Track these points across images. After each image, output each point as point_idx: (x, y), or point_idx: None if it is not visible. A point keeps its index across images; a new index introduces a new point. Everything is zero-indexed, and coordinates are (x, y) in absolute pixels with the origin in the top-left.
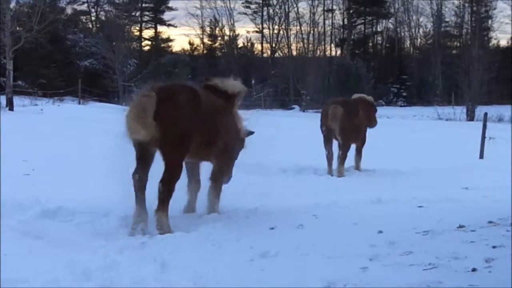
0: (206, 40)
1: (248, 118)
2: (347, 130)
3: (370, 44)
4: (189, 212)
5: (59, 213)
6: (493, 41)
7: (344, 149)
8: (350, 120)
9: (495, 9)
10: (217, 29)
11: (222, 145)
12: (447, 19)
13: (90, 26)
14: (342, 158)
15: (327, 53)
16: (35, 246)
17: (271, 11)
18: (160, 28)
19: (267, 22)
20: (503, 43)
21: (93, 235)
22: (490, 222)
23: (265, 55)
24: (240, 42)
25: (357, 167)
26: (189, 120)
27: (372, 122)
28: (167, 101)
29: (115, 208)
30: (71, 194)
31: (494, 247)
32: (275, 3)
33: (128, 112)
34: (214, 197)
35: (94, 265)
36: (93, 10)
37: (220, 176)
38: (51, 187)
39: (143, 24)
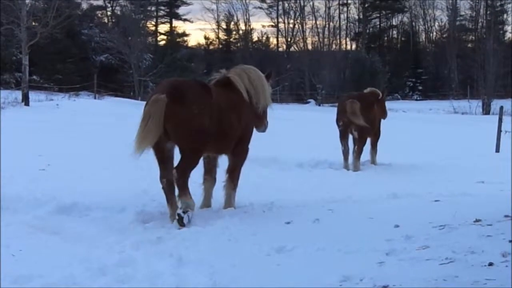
0: (221, 34)
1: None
2: (365, 124)
3: (386, 38)
4: (205, 207)
5: (74, 208)
6: (508, 35)
7: (360, 144)
8: (366, 115)
9: (510, 3)
10: (233, 23)
11: (238, 139)
12: (462, 13)
13: (106, 21)
14: (358, 153)
15: (342, 47)
16: (51, 241)
17: (286, 5)
18: (176, 22)
19: (283, 16)
20: None
21: (109, 231)
22: (506, 216)
23: (280, 49)
24: (255, 37)
25: (373, 161)
26: (201, 116)
27: (384, 114)
28: (178, 99)
29: (131, 203)
30: (87, 189)
31: (510, 241)
32: None
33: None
34: (231, 191)
35: (109, 261)
36: (108, 5)
37: (237, 169)
38: (67, 183)
39: (159, 18)
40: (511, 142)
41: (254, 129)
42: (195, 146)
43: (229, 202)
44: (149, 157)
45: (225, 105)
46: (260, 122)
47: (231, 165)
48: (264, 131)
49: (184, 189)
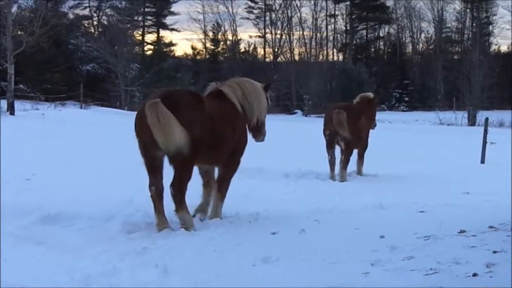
0: (208, 44)
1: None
2: (350, 135)
3: (372, 49)
4: (199, 212)
5: (59, 218)
6: (494, 47)
7: (346, 154)
8: (353, 125)
9: (495, 15)
10: (220, 33)
11: (231, 151)
12: (448, 25)
13: (92, 30)
14: (345, 163)
15: (329, 58)
16: (36, 251)
17: (273, 16)
18: (163, 32)
19: (270, 27)
20: (504, 48)
21: (94, 241)
22: (490, 227)
23: (267, 59)
24: (242, 47)
25: (359, 172)
26: (191, 124)
27: (373, 122)
28: (169, 108)
29: (116, 213)
30: (72, 199)
31: (494, 252)
32: (277, 8)
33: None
34: (218, 201)
35: (94, 271)
36: (95, 14)
37: (227, 180)
38: (52, 192)
39: (146, 28)
40: (511, 153)
41: (253, 140)
42: (187, 156)
43: (215, 212)
44: (134, 168)
45: (218, 115)
46: (258, 132)
47: (221, 176)
48: (262, 140)
49: (181, 204)
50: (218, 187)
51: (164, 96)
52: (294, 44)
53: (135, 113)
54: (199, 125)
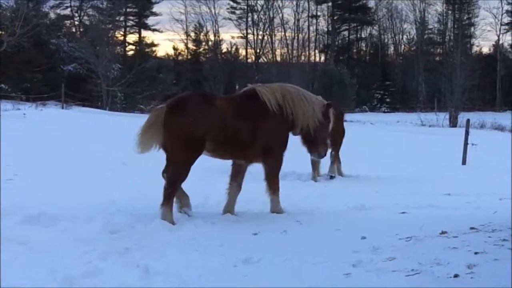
0: (190, 45)
1: None
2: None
3: (354, 50)
4: (226, 213)
5: (41, 218)
6: (476, 48)
7: (335, 148)
8: (335, 124)
9: (477, 16)
10: (202, 34)
11: (262, 147)
12: (430, 26)
13: (74, 30)
14: (335, 158)
15: (311, 59)
16: (18, 252)
17: (255, 16)
18: (144, 33)
19: (252, 28)
20: (485, 50)
21: (76, 241)
22: (472, 228)
23: (249, 60)
24: (224, 48)
25: (340, 172)
26: (197, 125)
27: None
28: (174, 109)
29: (98, 213)
30: (54, 199)
31: (476, 253)
32: (259, 9)
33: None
34: (273, 197)
35: (76, 272)
36: (76, 14)
37: (273, 176)
38: (34, 192)
39: (127, 28)
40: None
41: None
42: (185, 154)
43: (276, 207)
44: (116, 168)
45: (234, 114)
46: (313, 147)
47: (266, 175)
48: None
49: (168, 200)
50: (268, 185)
51: (171, 101)
52: (276, 45)
53: (116, 113)
54: (203, 123)
